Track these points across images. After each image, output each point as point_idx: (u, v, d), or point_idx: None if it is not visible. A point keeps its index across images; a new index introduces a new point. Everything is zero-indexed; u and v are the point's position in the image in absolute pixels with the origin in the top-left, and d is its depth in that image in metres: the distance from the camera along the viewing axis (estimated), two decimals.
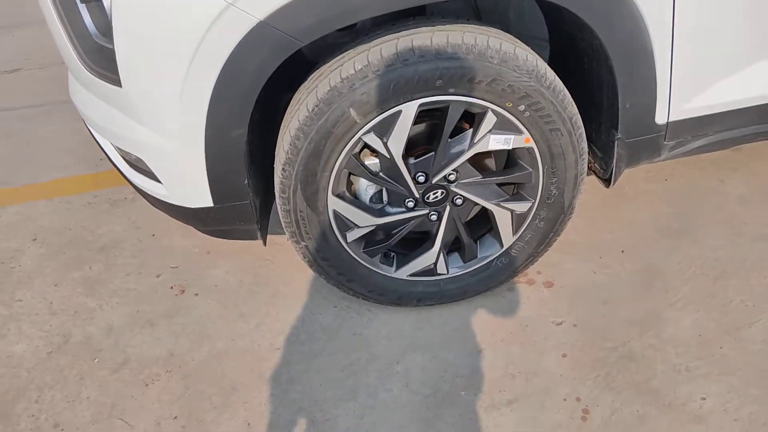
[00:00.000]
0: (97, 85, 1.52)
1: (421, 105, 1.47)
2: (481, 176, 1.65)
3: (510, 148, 1.58)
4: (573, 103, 1.58)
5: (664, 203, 2.17)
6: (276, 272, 2.01)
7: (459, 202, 1.68)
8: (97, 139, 1.75)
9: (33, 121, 2.89)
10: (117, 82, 1.45)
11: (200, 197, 1.59)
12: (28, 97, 3.07)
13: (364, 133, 1.49)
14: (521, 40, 1.55)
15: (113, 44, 1.40)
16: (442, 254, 1.76)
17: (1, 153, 2.69)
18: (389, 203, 1.67)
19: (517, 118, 1.53)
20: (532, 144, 1.58)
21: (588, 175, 1.76)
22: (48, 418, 1.65)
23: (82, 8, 1.49)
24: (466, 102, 1.49)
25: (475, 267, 1.80)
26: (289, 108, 1.57)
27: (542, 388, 1.65)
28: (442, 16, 1.54)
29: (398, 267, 1.77)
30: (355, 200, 1.66)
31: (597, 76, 1.64)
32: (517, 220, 1.72)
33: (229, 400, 1.67)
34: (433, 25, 1.47)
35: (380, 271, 1.76)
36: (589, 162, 1.80)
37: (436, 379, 1.69)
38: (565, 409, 1.60)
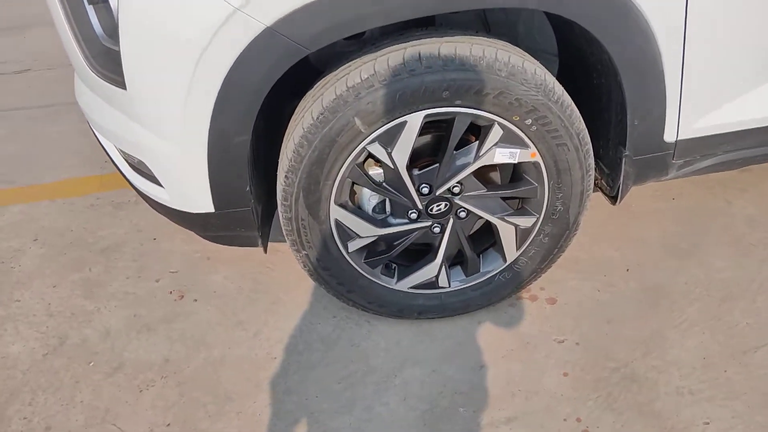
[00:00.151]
0: (101, 86, 1.52)
1: (426, 116, 1.46)
2: (485, 189, 1.64)
3: (516, 161, 1.57)
4: (581, 118, 1.56)
5: (671, 222, 2.14)
6: (276, 280, 2.00)
7: (463, 214, 1.67)
8: (101, 142, 1.74)
9: (40, 122, 2.90)
10: (122, 84, 1.44)
11: (202, 202, 1.58)
12: (36, 97, 3.09)
13: (369, 143, 1.48)
14: (530, 54, 1.54)
15: (119, 46, 1.39)
16: (444, 267, 1.74)
17: (7, 152, 2.69)
18: (392, 214, 1.65)
19: (523, 132, 1.52)
20: (538, 158, 1.56)
21: (594, 191, 1.74)
22: (41, 421, 1.64)
23: (90, 9, 1.49)
24: (472, 114, 1.47)
25: (478, 281, 1.78)
26: (293, 115, 1.56)
27: (542, 407, 1.62)
28: (450, 28, 1.52)
29: (399, 279, 1.75)
30: (357, 210, 1.64)
31: (606, 91, 1.63)
32: (521, 235, 1.70)
33: (224, 409, 1.65)
34: (442, 37, 1.46)
35: (381, 283, 1.74)
36: (596, 178, 1.78)
37: (434, 394, 1.67)
38: (565, 429, 1.57)
